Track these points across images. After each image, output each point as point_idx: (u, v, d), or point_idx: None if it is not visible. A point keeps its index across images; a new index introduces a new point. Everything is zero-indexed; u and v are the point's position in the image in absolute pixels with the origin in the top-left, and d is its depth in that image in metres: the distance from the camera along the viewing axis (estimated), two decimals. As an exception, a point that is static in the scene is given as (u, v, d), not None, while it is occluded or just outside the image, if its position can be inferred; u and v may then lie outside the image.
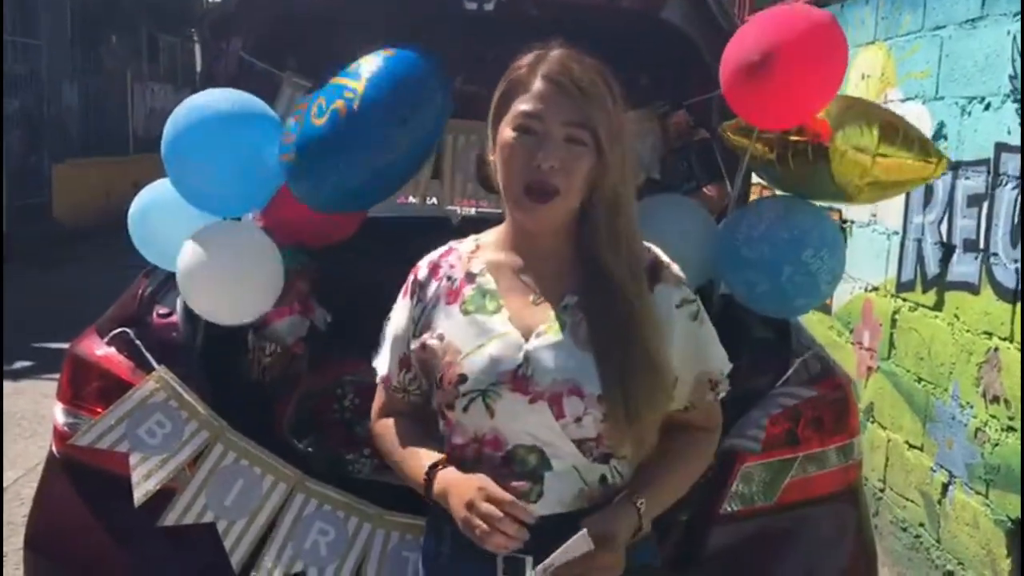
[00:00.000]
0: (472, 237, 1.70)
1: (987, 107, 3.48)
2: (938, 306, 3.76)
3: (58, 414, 2.39)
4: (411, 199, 3.70)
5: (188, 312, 2.41)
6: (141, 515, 2.20)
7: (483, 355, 1.54)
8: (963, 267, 3.58)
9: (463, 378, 1.54)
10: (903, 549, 3.94)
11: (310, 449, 2.69)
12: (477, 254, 1.65)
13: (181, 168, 2.23)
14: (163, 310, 2.47)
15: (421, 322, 1.63)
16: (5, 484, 4.33)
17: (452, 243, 1.70)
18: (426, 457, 1.61)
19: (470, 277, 1.62)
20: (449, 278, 1.63)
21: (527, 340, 1.54)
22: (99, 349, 2.38)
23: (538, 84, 1.50)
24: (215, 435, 2.24)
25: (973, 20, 3.62)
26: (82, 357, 2.39)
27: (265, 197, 2.30)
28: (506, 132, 1.52)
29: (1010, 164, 3.29)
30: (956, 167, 3.64)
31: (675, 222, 2.44)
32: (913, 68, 4.06)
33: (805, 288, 2.33)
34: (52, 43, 12.29)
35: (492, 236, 1.67)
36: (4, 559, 3.62)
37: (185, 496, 2.20)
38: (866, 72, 4.52)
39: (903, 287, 4.08)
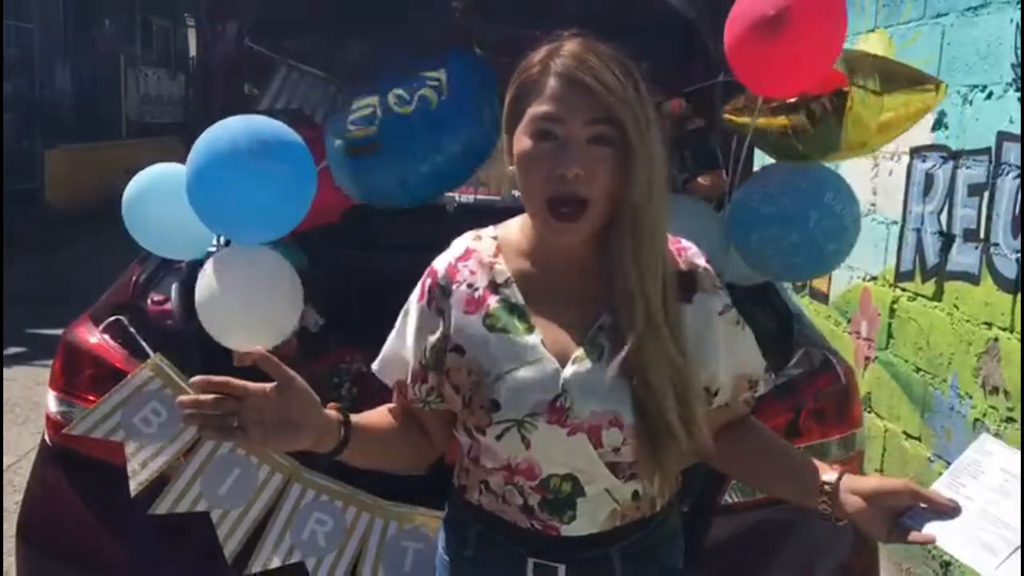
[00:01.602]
0: (490, 232, 1.53)
1: (989, 96, 3.46)
2: (937, 296, 3.74)
3: (51, 402, 2.37)
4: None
5: (183, 299, 2.39)
6: (135, 504, 2.18)
7: (517, 381, 1.41)
8: (963, 257, 3.57)
9: (495, 404, 1.42)
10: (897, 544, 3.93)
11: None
12: (499, 259, 1.50)
13: (211, 204, 2.08)
14: (157, 297, 2.45)
15: (439, 332, 1.48)
16: (-3, 471, 4.30)
17: (469, 242, 1.53)
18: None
19: (494, 287, 1.47)
20: (470, 285, 1.48)
21: (563, 367, 1.42)
22: (93, 336, 2.35)
23: (553, 83, 1.36)
24: (211, 424, 2.21)
25: (975, 8, 3.60)
26: (75, 344, 2.36)
27: (293, 224, 2.22)
28: (523, 140, 1.38)
29: (1012, 153, 3.27)
30: (957, 156, 3.62)
31: (682, 223, 2.42)
32: (914, 56, 4.03)
33: (834, 231, 2.29)
34: (44, 26, 12.19)
35: (514, 234, 1.51)
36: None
37: (178, 484, 2.18)
38: (866, 60, 4.50)
39: (902, 277, 4.07)
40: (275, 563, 2.11)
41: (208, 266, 2.15)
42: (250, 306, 2.14)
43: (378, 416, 1.57)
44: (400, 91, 2.19)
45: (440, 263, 1.52)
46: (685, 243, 1.51)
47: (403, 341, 1.54)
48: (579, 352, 1.43)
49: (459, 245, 1.53)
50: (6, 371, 5.72)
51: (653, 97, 2.78)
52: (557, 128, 1.35)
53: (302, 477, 2.20)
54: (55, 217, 11.13)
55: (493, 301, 1.46)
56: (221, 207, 2.07)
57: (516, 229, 1.51)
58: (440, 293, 1.49)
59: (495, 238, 1.52)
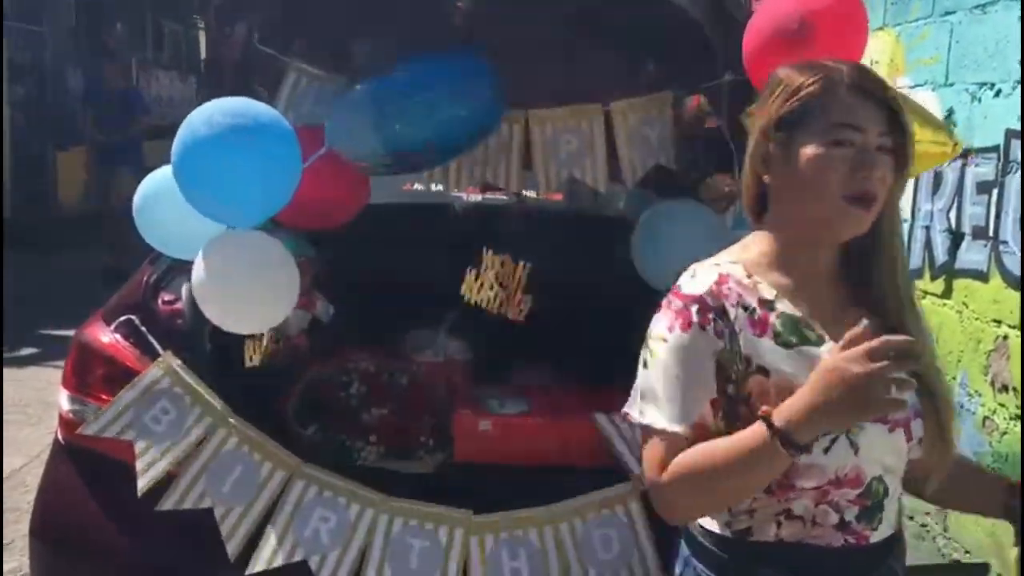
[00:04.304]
0: (724, 259, 1.54)
1: (997, 93, 3.46)
2: (946, 294, 3.74)
3: (63, 401, 2.39)
4: (416, 185, 3.68)
5: (193, 298, 2.40)
6: (147, 502, 2.19)
7: None
8: (972, 255, 3.57)
9: None
10: (910, 537, 3.90)
11: (316, 436, 2.67)
12: (755, 278, 1.51)
13: (196, 184, 2.14)
14: (168, 297, 2.47)
15: (731, 357, 1.45)
16: (9, 471, 4.33)
17: (716, 268, 1.51)
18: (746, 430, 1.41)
19: (766, 304, 1.48)
20: (744, 307, 1.47)
21: None
22: (105, 336, 2.38)
23: (846, 96, 1.46)
24: (218, 421, 2.23)
25: (983, 6, 3.59)
26: (88, 344, 2.39)
27: (278, 206, 2.24)
28: (817, 148, 1.45)
29: (1020, 151, 3.26)
30: (965, 154, 3.61)
31: (688, 224, 2.44)
32: (923, 54, 4.03)
33: None
34: (55, 30, 12.25)
35: (753, 255, 1.54)
36: (9, 545, 3.62)
37: (183, 481, 2.19)
38: (875, 58, 4.49)
39: (911, 274, 4.06)
40: (278, 561, 2.10)
41: (202, 251, 2.17)
42: (240, 289, 2.16)
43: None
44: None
45: (697, 288, 1.49)
46: None
47: (686, 379, 1.46)
48: None
49: (706, 273, 1.51)
50: (19, 371, 5.76)
51: (674, 91, 2.79)
52: (855, 136, 1.45)
53: (305, 473, 2.20)
54: (66, 218, 11.18)
55: (772, 318, 1.48)
56: (204, 186, 2.11)
57: (753, 251, 1.54)
58: (717, 315, 1.46)
59: (734, 263, 1.53)
